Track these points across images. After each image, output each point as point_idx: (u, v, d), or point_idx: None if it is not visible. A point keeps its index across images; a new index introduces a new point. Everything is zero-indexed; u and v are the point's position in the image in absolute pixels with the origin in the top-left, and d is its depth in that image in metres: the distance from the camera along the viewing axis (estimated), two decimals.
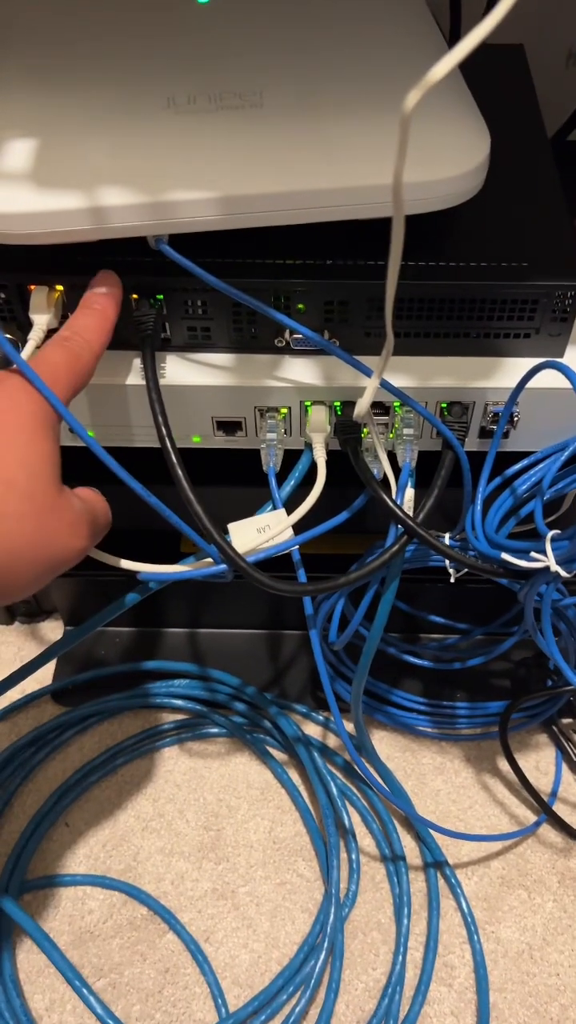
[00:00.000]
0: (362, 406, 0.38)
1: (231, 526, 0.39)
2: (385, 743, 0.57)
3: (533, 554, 0.37)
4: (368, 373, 0.38)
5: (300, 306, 0.41)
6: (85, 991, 0.47)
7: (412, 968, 0.49)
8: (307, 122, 0.37)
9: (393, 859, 0.52)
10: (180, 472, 0.37)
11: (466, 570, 0.43)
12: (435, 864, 0.52)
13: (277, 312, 0.38)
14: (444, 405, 0.42)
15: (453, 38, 0.65)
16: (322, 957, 0.47)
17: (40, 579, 0.32)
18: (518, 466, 0.43)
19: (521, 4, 0.64)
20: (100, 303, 0.38)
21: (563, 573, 0.36)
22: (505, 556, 0.38)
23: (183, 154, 0.36)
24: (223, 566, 0.38)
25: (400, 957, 0.48)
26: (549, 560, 0.36)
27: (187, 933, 0.50)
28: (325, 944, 0.47)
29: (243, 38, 0.41)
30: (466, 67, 0.50)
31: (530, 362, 0.41)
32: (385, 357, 0.33)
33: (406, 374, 0.42)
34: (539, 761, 0.57)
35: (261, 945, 0.50)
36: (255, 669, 0.59)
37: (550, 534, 0.36)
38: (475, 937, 0.50)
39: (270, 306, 0.39)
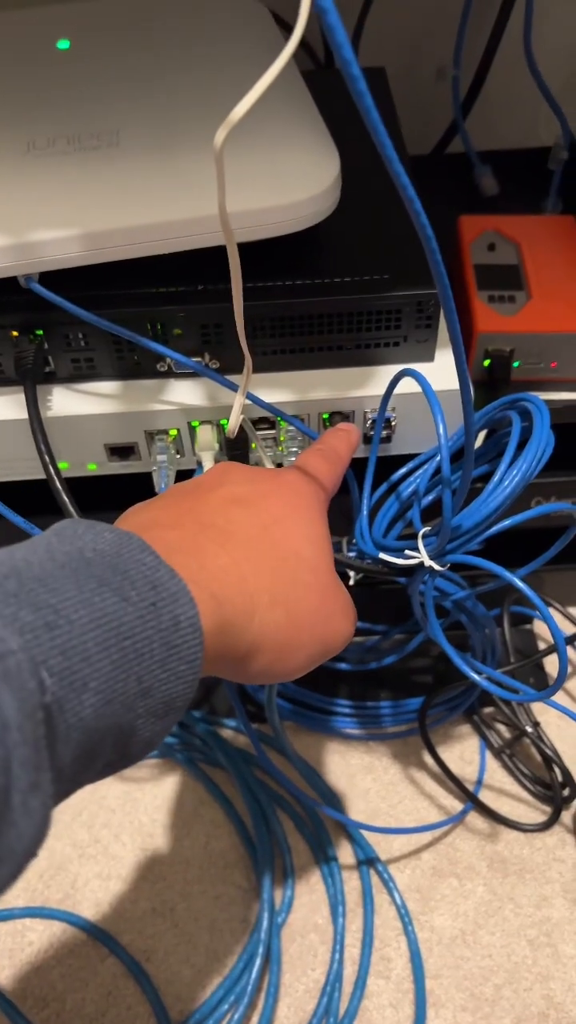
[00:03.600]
0: (231, 424, 0.40)
1: None
2: (315, 748, 0.59)
3: (407, 552, 0.38)
4: (233, 389, 0.40)
5: (177, 331, 0.42)
6: None
7: (350, 965, 0.50)
8: (162, 157, 0.38)
9: (326, 861, 0.53)
10: (66, 500, 0.38)
11: (363, 573, 0.45)
12: (367, 861, 0.53)
13: (148, 340, 0.40)
14: (326, 416, 0.44)
15: (328, 63, 0.68)
16: (258, 964, 0.48)
17: (312, 659, 0.32)
18: (402, 471, 0.45)
19: (394, 28, 0.67)
20: (346, 429, 0.41)
21: (436, 567, 0.38)
22: (382, 555, 0.39)
23: (44, 195, 0.38)
24: None
25: (337, 955, 0.50)
26: (422, 556, 0.38)
27: (127, 955, 0.50)
28: (260, 951, 0.48)
29: (100, 81, 0.43)
30: (329, 92, 0.52)
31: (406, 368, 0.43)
32: (246, 376, 0.35)
33: (286, 388, 0.44)
34: (464, 751, 0.58)
35: (202, 959, 0.50)
36: None
37: (422, 531, 0.38)
38: (409, 928, 0.51)
39: (145, 335, 0.41)
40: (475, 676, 0.41)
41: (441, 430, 0.35)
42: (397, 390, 0.43)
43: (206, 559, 0.29)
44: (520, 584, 0.36)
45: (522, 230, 0.55)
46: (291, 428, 0.44)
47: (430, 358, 0.44)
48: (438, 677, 0.61)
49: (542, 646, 0.63)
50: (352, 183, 0.46)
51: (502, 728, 0.58)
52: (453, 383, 0.44)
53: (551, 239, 0.54)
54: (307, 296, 0.42)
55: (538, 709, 0.59)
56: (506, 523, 0.39)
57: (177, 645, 0.25)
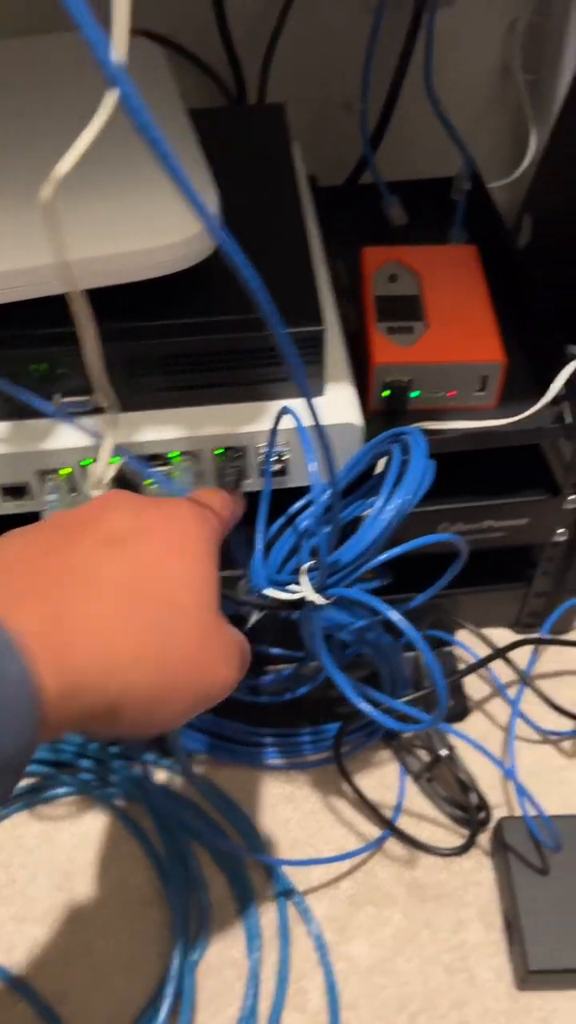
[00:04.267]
0: (95, 470, 0.40)
1: None
2: (235, 780, 0.58)
3: (290, 587, 0.39)
4: (97, 438, 0.39)
5: (62, 371, 0.42)
6: None
7: (266, 999, 0.50)
8: (30, 203, 0.39)
9: (243, 894, 0.53)
10: None
11: (264, 613, 0.45)
12: (285, 893, 0.53)
13: (11, 388, 0.39)
14: (219, 451, 0.44)
15: (239, 98, 0.69)
16: (168, 1005, 0.47)
17: (189, 710, 0.31)
18: (299, 503, 0.45)
19: (302, 63, 0.68)
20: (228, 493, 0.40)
21: (319, 601, 0.38)
22: (267, 591, 0.40)
23: None
24: None
25: (252, 991, 0.49)
26: (305, 590, 0.38)
27: (39, 1000, 0.49)
28: (170, 992, 0.48)
29: None
30: (227, 130, 0.53)
31: (291, 403, 0.44)
32: (111, 421, 0.35)
33: (177, 425, 0.44)
34: (384, 776, 0.58)
35: (116, 1000, 0.50)
36: None
37: (305, 566, 0.38)
38: (326, 959, 0.51)
39: (31, 375, 0.41)
40: (364, 706, 0.41)
41: (311, 468, 0.35)
42: (287, 425, 0.43)
43: (63, 609, 0.27)
44: (394, 617, 0.37)
45: (423, 261, 0.56)
46: (184, 460, 0.44)
47: (319, 392, 0.45)
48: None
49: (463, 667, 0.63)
50: (243, 219, 0.47)
51: (421, 752, 0.59)
52: (343, 417, 0.45)
53: (451, 269, 0.55)
54: (192, 335, 0.42)
55: (452, 735, 0.60)
56: (388, 555, 0.39)
57: (2, 703, 0.24)
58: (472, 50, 0.70)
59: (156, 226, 0.38)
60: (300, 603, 0.40)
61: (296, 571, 0.43)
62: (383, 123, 0.67)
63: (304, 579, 0.38)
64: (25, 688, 0.24)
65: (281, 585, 0.40)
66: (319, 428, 0.30)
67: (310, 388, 0.45)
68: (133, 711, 0.28)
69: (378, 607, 0.37)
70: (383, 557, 0.39)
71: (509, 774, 0.56)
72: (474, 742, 0.50)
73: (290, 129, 0.55)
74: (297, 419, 0.37)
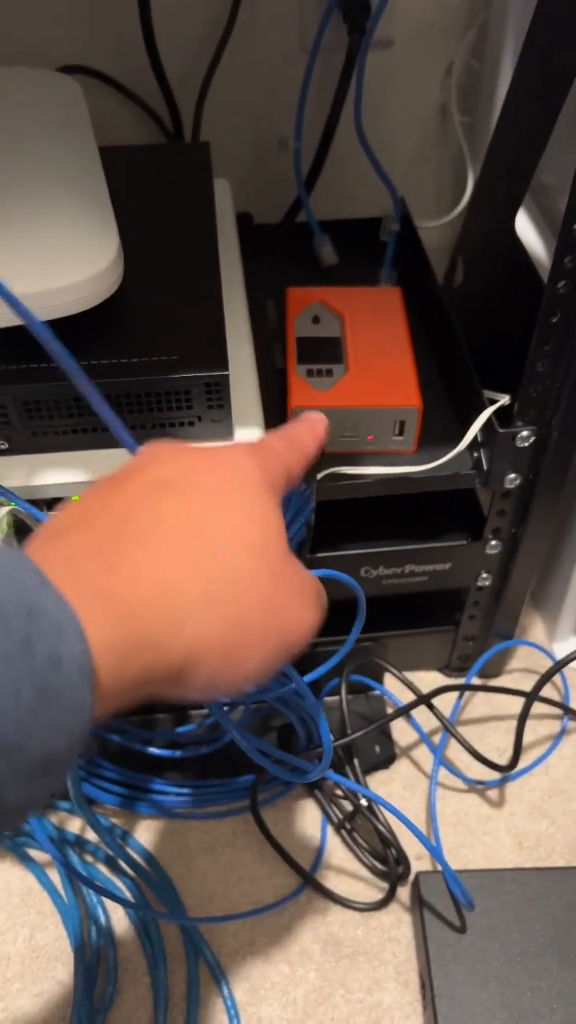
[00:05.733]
0: None
1: None
2: (151, 830, 0.57)
3: None
4: None
5: None
6: None
7: None
8: None
9: (153, 953, 0.51)
10: None
11: None
12: (196, 951, 0.51)
13: None
14: None
15: (177, 134, 0.68)
16: None
17: (270, 659, 0.28)
18: None
19: (237, 101, 0.68)
20: (311, 419, 0.38)
21: None
22: None
23: None
24: None
25: None
26: None
27: None
28: None
29: None
30: (151, 167, 0.52)
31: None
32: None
33: (81, 467, 0.43)
34: (307, 825, 0.57)
35: None
36: None
37: None
38: (235, 1022, 0.49)
39: None
40: (264, 761, 0.40)
41: None
42: None
43: (120, 561, 0.24)
44: (288, 669, 0.36)
45: (347, 302, 0.55)
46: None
47: (229, 436, 0.44)
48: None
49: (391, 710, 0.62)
50: (157, 258, 0.46)
51: (344, 802, 0.57)
52: None
53: (375, 311, 0.55)
54: (97, 377, 0.41)
55: (377, 781, 0.59)
56: None
57: (56, 690, 0.21)
58: (410, 92, 0.70)
59: (55, 268, 0.37)
60: None
61: None
62: (318, 162, 0.67)
63: None
64: (85, 672, 0.22)
65: None
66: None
67: (218, 433, 0.44)
68: (207, 665, 0.25)
69: (293, 677, 0.36)
70: None
71: (421, 838, 0.55)
72: (385, 803, 0.49)
73: (212, 167, 0.54)
74: None
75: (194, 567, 0.26)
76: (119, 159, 0.51)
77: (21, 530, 0.42)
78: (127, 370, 0.41)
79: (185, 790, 0.57)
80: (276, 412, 0.50)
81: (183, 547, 0.26)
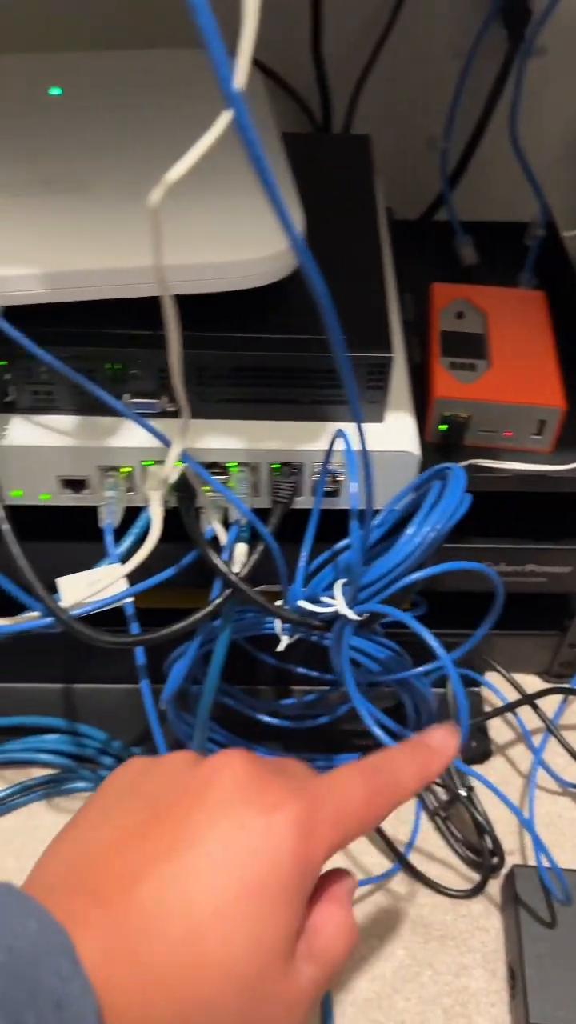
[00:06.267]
0: (165, 474, 0.40)
1: (60, 580, 0.41)
2: None
3: (323, 599, 0.39)
4: (166, 443, 0.40)
5: (135, 372, 0.43)
6: None
7: None
8: (126, 206, 0.40)
9: None
10: (6, 527, 0.39)
11: (298, 636, 0.45)
12: None
13: (90, 384, 0.40)
14: (275, 466, 0.45)
15: (325, 127, 0.70)
16: None
17: None
18: (343, 543, 0.45)
19: (390, 98, 0.69)
20: (432, 754, 0.34)
21: (352, 616, 0.38)
22: (301, 603, 0.40)
23: (11, 234, 0.39)
24: (49, 619, 0.39)
25: None
26: (338, 603, 0.38)
27: None
28: None
29: (84, 129, 0.45)
30: (313, 155, 0.54)
31: (352, 427, 0.44)
32: (184, 427, 0.35)
33: (238, 436, 0.45)
34: (398, 811, 0.58)
35: None
36: (124, 723, 0.60)
37: (340, 581, 0.39)
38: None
39: (103, 373, 0.42)
40: (380, 733, 0.42)
41: (353, 488, 0.36)
42: (344, 446, 0.44)
43: (116, 968, 0.25)
44: (426, 636, 0.37)
45: (492, 301, 0.56)
46: (241, 471, 0.45)
47: (379, 419, 0.46)
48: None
49: (488, 710, 0.63)
50: (324, 244, 0.48)
51: (440, 790, 0.58)
52: (402, 445, 0.45)
53: (519, 312, 0.56)
54: (263, 349, 0.43)
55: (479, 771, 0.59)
56: (417, 576, 0.39)
57: None
58: (559, 99, 0.71)
59: (248, 240, 0.39)
60: (331, 622, 0.41)
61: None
62: (463, 163, 0.68)
63: (338, 592, 0.39)
64: None
65: (309, 601, 0.41)
66: (365, 453, 0.31)
67: (372, 414, 0.45)
68: None
69: (410, 623, 0.38)
70: (413, 577, 0.39)
71: (526, 824, 0.56)
72: (493, 787, 0.50)
73: (374, 161, 0.56)
74: (347, 443, 0.38)
75: (174, 992, 0.25)
76: (286, 145, 0.53)
77: (183, 489, 0.44)
78: (296, 345, 0.43)
79: None
80: (416, 403, 0.51)
81: (172, 966, 0.26)
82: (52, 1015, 0.22)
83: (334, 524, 0.46)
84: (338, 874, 0.32)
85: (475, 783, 0.56)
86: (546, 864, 0.51)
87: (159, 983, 0.25)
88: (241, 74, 0.22)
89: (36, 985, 0.22)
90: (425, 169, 0.70)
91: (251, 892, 0.26)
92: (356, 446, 0.41)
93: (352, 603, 0.39)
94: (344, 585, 0.39)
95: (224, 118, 0.25)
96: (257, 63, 0.67)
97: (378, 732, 0.42)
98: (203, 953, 0.26)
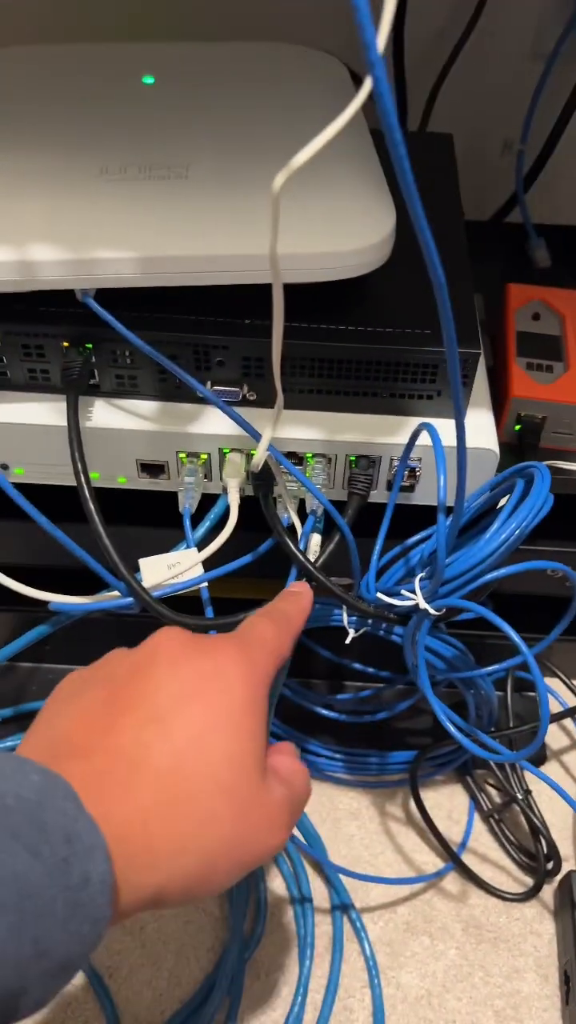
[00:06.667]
0: (256, 460, 0.41)
1: (142, 561, 0.42)
2: None
3: (403, 592, 0.39)
4: (255, 436, 0.41)
5: (219, 360, 0.44)
6: None
7: (311, 1010, 0.49)
8: (226, 194, 0.40)
9: (301, 901, 0.53)
10: (92, 507, 0.40)
11: (364, 629, 0.45)
12: (342, 907, 0.53)
13: (181, 370, 0.40)
14: (352, 458, 0.45)
15: (401, 113, 0.70)
16: (219, 996, 0.48)
17: (232, 880, 0.31)
18: (416, 537, 0.45)
19: (467, 98, 0.69)
20: (297, 591, 0.41)
21: (431, 611, 0.38)
22: (379, 595, 0.40)
23: (109, 217, 0.40)
24: (129, 599, 0.40)
25: (300, 999, 0.49)
26: (418, 597, 0.38)
27: (91, 967, 0.50)
28: (223, 984, 0.48)
29: (179, 117, 0.45)
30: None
31: (432, 422, 0.44)
32: (276, 416, 0.36)
33: (317, 427, 0.45)
34: (452, 810, 0.58)
35: (164, 983, 0.50)
36: None
37: (419, 575, 0.39)
38: (376, 981, 0.50)
39: (189, 360, 0.42)
40: (453, 729, 0.41)
41: (442, 482, 0.36)
42: (424, 441, 0.44)
43: (112, 804, 0.28)
44: (508, 631, 0.37)
45: (568, 304, 0.56)
46: (318, 462, 0.45)
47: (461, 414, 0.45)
48: (434, 731, 0.61)
49: None
50: (409, 238, 0.48)
51: (493, 792, 0.58)
52: (481, 442, 0.45)
53: None
54: (349, 341, 0.43)
55: (531, 778, 0.59)
56: (498, 573, 0.39)
57: (84, 904, 0.24)
58: None
59: (347, 230, 0.39)
60: (408, 616, 0.41)
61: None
62: (538, 166, 0.68)
63: (417, 587, 0.39)
64: (107, 889, 0.25)
65: (386, 593, 0.41)
66: (462, 449, 0.31)
67: (448, 409, 0.45)
68: (175, 897, 0.29)
69: (492, 619, 0.38)
70: (495, 575, 0.39)
71: None
72: (557, 786, 0.49)
73: (456, 160, 0.56)
74: (436, 437, 0.38)
75: (169, 818, 0.28)
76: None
77: (263, 477, 0.44)
78: (383, 338, 0.43)
79: (339, 755, 0.59)
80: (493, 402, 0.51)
81: (163, 792, 0.29)
82: (63, 847, 0.24)
83: (404, 520, 0.46)
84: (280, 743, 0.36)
85: (532, 786, 0.56)
86: None
87: (155, 811, 0.28)
88: (382, 39, 0.22)
89: (45, 824, 0.24)
90: (497, 171, 0.69)
91: (218, 717, 0.31)
92: (445, 441, 0.41)
93: (431, 598, 0.39)
94: (423, 579, 0.39)
95: (363, 91, 0.25)
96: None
97: (451, 728, 0.42)
98: (188, 776, 0.29)
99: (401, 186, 0.24)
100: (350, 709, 0.60)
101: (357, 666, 0.59)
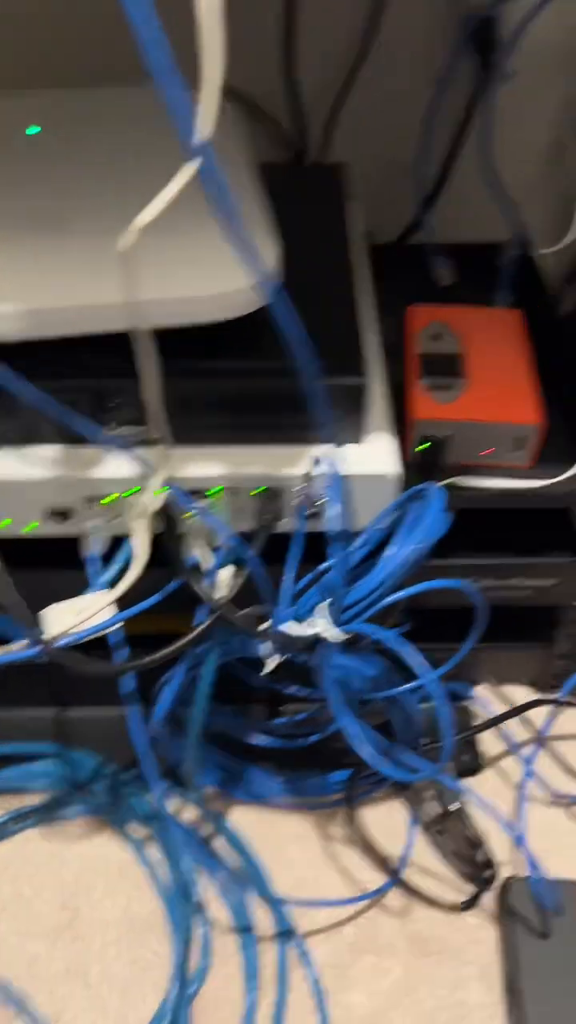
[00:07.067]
0: (140, 502, 0.41)
1: (46, 611, 0.42)
2: (245, 814, 0.59)
3: (307, 620, 0.40)
4: (147, 472, 0.41)
5: (116, 402, 0.44)
6: None
7: None
8: (103, 243, 0.41)
9: (245, 932, 0.53)
10: None
11: (283, 657, 0.46)
12: (286, 934, 0.53)
13: (63, 411, 0.40)
14: (257, 491, 0.46)
15: (302, 153, 0.71)
16: None
17: None
18: (326, 563, 0.46)
19: (366, 124, 0.70)
20: None
21: (335, 636, 0.39)
22: (283, 627, 0.41)
23: None
24: (36, 648, 0.40)
25: None
26: (321, 625, 0.39)
27: (36, 1016, 0.50)
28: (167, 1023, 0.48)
29: (61, 166, 0.46)
30: (289, 185, 0.55)
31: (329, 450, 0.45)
32: (163, 454, 0.36)
33: (219, 462, 0.45)
34: (394, 824, 0.59)
35: None
36: (118, 748, 0.60)
37: (323, 603, 0.40)
38: (322, 1006, 0.51)
39: (85, 403, 0.43)
40: (367, 752, 0.42)
41: (336, 511, 0.37)
42: (323, 471, 0.45)
43: None
44: (408, 654, 0.38)
45: (468, 322, 0.57)
46: (226, 496, 0.45)
47: (358, 440, 0.46)
48: None
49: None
50: (297, 272, 0.49)
51: (434, 804, 0.59)
52: (380, 467, 0.46)
53: (495, 331, 0.57)
54: (241, 377, 0.44)
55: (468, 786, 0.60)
56: (397, 596, 0.40)
57: None
58: (529, 122, 0.72)
59: (220, 274, 0.40)
60: (316, 643, 0.41)
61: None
62: (438, 186, 0.69)
63: (321, 614, 0.40)
64: None
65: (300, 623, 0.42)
66: (338, 477, 0.32)
67: (350, 436, 0.46)
68: None
69: (391, 642, 0.38)
70: (395, 596, 0.40)
71: (518, 839, 0.56)
72: (484, 801, 0.50)
73: (348, 188, 0.57)
74: (326, 468, 0.38)
75: None
76: (264, 175, 0.54)
77: (166, 516, 0.44)
78: (273, 373, 0.43)
79: (279, 780, 0.59)
80: (398, 424, 0.52)
81: None
82: None
83: (324, 544, 0.47)
84: None
85: (469, 796, 0.57)
86: (539, 875, 0.51)
87: None
88: (205, 126, 0.23)
89: None
90: (402, 193, 0.71)
91: None
92: (335, 470, 0.42)
93: (336, 623, 0.39)
94: (327, 606, 0.40)
95: (188, 169, 0.25)
96: (233, 91, 0.69)
97: (363, 750, 0.43)
98: None
99: (231, 236, 0.25)
100: (287, 733, 0.60)
101: (291, 690, 0.60)
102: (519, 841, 0.54)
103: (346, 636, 0.40)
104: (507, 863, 0.56)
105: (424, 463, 0.52)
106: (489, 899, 0.55)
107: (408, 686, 0.44)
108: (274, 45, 0.64)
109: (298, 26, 0.63)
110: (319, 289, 0.48)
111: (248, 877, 0.55)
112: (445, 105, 0.66)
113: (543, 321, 0.60)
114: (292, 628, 0.41)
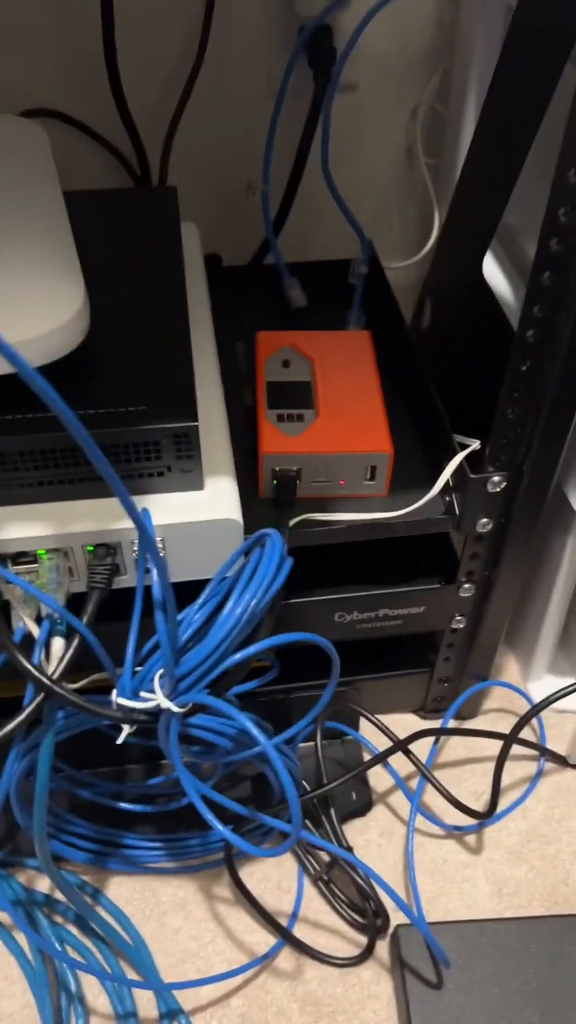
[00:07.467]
0: None
1: None
2: (124, 886, 0.55)
3: (143, 693, 0.37)
4: None
5: None
6: None
7: None
8: None
9: (125, 1017, 0.49)
10: None
11: (132, 728, 0.42)
12: (170, 1015, 0.49)
13: None
14: (91, 548, 0.42)
15: (144, 177, 0.68)
16: None
17: None
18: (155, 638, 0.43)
19: (204, 145, 0.68)
20: None
21: (174, 708, 0.36)
22: (119, 701, 0.37)
23: None
24: None
25: None
26: (158, 697, 0.36)
27: None
28: None
29: None
30: (121, 211, 0.52)
31: (170, 497, 0.42)
32: None
33: (48, 520, 0.42)
34: (282, 879, 0.56)
35: None
36: None
37: (157, 675, 0.36)
38: None
39: None
40: (218, 826, 0.39)
41: (155, 576, 0.34)
42: (162, 521, 0.42)
43: None
44: (246, 725, 0.35)
45: (317, 346, 0.55)
46: (53, 558, 0.42)
47: (199, 486, 0.43)
48: (253, 799, 0.58)
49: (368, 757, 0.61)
50: (125, 306, 0.46)
51: (322, 853, 0.56)
52: (224, 512, 0.43)
53: (345, 355, 0.55)
54: (58, 429, 0.40)
55: (355, 829, 0.58)
56: (238, 657, 0.37)
57: None
58: (376, 134, 0.71)
59: (19, 320, 0.36)
60: (157, 714, 0.38)
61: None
62: (286, 204, 0.67)
63: (156, 685, 0.36)
64: None
65: (138, 696, 0.38)
66: (149, 536, 0.29)
67: (189, 483, 0.43)
68: None
69: (231, 713, 0.35)
70: (235, 659, 0.37)
71: (410, 882, 0.54)
72: (359, 861, 0.48)
73: (179, 212, 0.54)
74: (148, 523, 0.35)
75: None
76: (85, 204, 0.51)
77: None
78: (95, 421, 0.40)
79: (157, 844, 0.56)
80: (248, 458, 0.49)
81: None
82: None
83: (179, 592, 0.44)
84: None
85: (356, 839, 0.54)
86: (430, 919, 0.49)
87: None
88: None
89: None
90: (250, 213, 0.68)
91: None
92: (183, 516, 0.39)
93: (172, 694, 0.36)
94: (162, 677, 0.37)
95: None
96: (63, 116, 0.65)
97: (216, 824, 0.40)
98: None
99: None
100: (162, 793, 0.56)
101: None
102: (401, 900, 0.52)
103: (184, 708, 0.37)
104: (398, 910, 0.54)
105: (277, 499, 0.49)
106: (384, 948, 0.52)
107: (248, 752, 0.41)
108: (101, 67, 0.61)
109: (121, 50, 0.60)
110: (150, 324, 0.45)
111: (128, 957, 0.51)
112: (287, 121, 0.63)
113: (394, 341, 0.58)
114: (129, 702, 0.37)
